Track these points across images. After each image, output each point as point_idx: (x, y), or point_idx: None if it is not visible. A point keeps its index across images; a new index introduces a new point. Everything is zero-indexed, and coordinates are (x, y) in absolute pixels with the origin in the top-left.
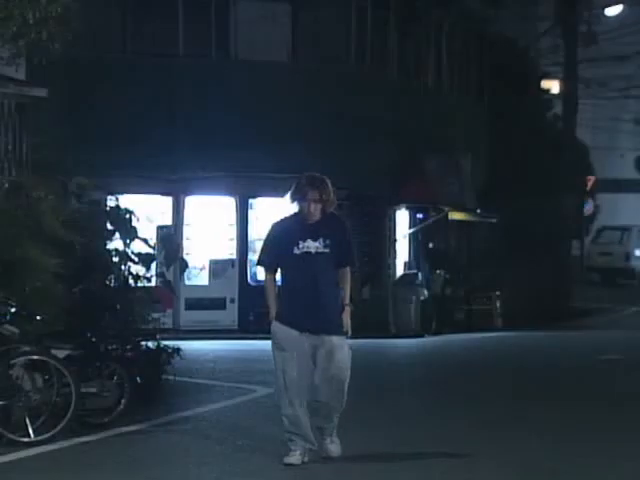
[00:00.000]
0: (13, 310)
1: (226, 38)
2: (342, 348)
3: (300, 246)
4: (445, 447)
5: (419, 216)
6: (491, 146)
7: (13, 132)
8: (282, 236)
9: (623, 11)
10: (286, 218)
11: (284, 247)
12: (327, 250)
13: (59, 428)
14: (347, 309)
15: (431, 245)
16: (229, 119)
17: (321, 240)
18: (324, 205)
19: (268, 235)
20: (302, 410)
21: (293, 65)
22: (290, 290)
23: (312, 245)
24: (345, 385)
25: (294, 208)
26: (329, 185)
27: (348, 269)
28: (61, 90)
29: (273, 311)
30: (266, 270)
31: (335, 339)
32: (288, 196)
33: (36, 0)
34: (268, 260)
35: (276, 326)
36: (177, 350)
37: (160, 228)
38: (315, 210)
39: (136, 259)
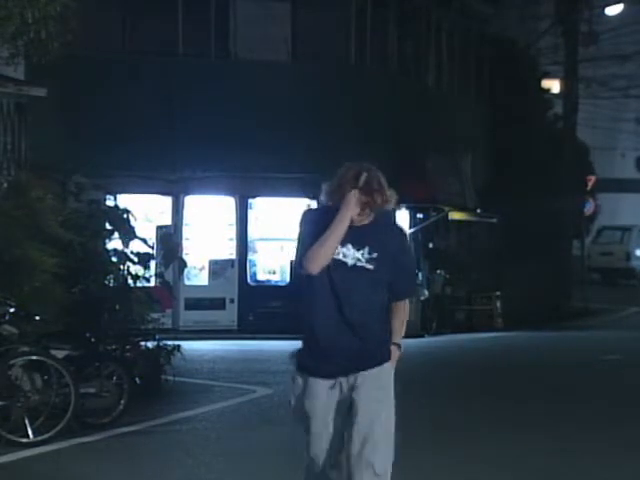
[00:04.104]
0: (12, 310)
1: (226, 37)
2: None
3: (336, 250)
4: (445, 447)
5: (419, 216)
6: (491, 146)
7: (12, 132)
8: (318, 230)
9: (623, 11)
10: (321, 209)
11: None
12: (370, 266)
13: (58, 428)
14: (395, 350)
15: (431, 245)
16: (229, 119)
17: (366, 250)
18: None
19: (301, 230)
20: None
21: (293, 65)
22: (311, 314)
23: (351, 254)
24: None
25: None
26: (383, 182)
27: (407, 303)
28: (60, 90)
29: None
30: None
31: (373, 371)
32: (322, 195)
33: None
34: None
35: (294, 372)
36: (177, 347)
37: (159, 228)
38: (362, 213)
39: (135, 259)
